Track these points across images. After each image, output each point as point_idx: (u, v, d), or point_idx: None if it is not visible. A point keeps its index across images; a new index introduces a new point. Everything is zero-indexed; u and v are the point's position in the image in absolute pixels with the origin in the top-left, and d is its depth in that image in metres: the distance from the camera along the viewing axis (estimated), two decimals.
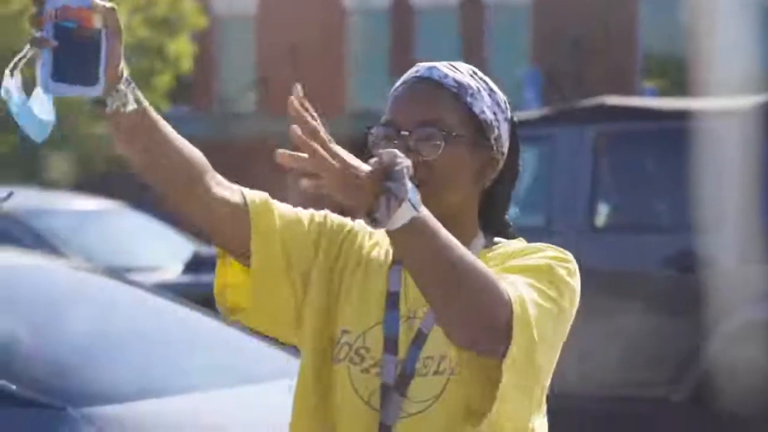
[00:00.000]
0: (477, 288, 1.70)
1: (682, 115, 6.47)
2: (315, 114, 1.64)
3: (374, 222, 1.67)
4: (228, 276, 1.92)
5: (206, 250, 8.92)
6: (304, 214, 1.95)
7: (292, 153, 1.62)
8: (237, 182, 1.94)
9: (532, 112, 7.94)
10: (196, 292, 6.98)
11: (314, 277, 1.92)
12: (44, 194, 11.15)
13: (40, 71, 1.70)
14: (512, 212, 2.02)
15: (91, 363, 3.59)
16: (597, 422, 6.43)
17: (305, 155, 1.62)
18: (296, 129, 1.60)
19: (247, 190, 1.92)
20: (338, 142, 1.67)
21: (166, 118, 1.86)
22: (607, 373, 6.26)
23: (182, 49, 20.47)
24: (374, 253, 1.95)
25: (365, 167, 1.66)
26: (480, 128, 1.91)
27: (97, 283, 4.20)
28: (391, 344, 1.87)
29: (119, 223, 10.34)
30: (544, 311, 1.76)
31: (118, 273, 5.63)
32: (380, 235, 1.97)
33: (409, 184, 1.66)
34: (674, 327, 6.26)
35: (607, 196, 6.78)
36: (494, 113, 1.92)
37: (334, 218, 1.97)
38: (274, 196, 1.96)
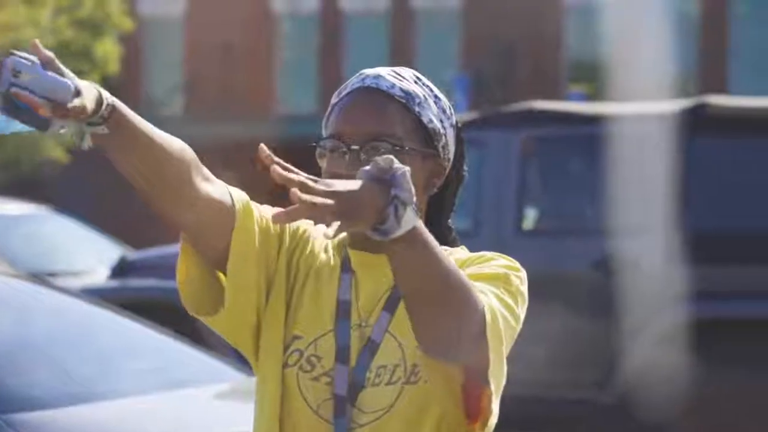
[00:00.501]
0: (461, 295, 1.68)
1: (608, 120, 6.54)
2: (286, 165, 1.58)
3: (381, 233, 1.61)
4: (189, 264, 1.87)
5: (133, 254, 8.83)
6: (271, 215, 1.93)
7: (290, 211, 1.57)
8: None
9: (460, 117, 7.99)
10: (122, 296, 6.92)
11: (275, 281, 1.89)
12: None
13: None
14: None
15: (15, 369, 3.55)
16: (524, 424, 6.47)
17: (300, 210, 1.57)
18: (295, 192, 1.55)
19: (233, 190, 1.87)
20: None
21: None
22: (534, 375, 6.30)
23: (109, 50, 20.29)
24: (324, 258, 1.92)
25: (355, 184, 1.61)
26: (428, 137, 1.89)
27: (22, 288, 4.15)
28: (342, 354, 1.84)
29: (44, 226, 10.22)
30: (506, 320, 1.78)
31: (42, 278, 5.56)
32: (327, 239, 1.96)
33: (412, 188, 1.63)
34: (600, 330, 6.33)
35: (535, 200, 6.84)
36: (441, 121, 1.91)
37: None
38: None
